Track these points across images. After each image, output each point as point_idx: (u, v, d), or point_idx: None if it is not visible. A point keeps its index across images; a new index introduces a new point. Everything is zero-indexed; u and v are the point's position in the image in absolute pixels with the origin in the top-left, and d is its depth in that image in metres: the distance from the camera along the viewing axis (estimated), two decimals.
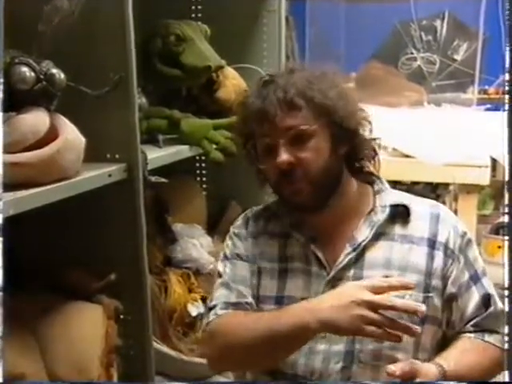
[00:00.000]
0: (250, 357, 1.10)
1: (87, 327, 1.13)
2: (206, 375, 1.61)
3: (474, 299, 1.13)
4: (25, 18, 1.02)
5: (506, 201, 0.93)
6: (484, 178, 2.69)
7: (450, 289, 1.12)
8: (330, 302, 0.97)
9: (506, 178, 0.94)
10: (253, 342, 1.06)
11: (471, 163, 2.70)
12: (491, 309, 1.13)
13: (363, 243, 1.12)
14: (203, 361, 1.55)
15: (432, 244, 1.12)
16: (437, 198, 3.26)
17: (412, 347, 1.09)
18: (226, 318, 1.13)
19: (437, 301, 1.11)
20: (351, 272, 1.11)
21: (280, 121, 1.07)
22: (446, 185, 3.07)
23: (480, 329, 1.13)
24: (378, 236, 1.13)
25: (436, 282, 1.11)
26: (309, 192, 1.09)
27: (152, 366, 1.31)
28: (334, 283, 1.11)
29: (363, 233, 1.13)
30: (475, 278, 1.14)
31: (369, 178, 1.19)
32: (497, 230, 3.09)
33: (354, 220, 1.14)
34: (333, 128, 1.09)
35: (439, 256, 1.12)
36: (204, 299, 1.62)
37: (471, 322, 1.13)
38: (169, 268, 1.60)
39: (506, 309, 0.93)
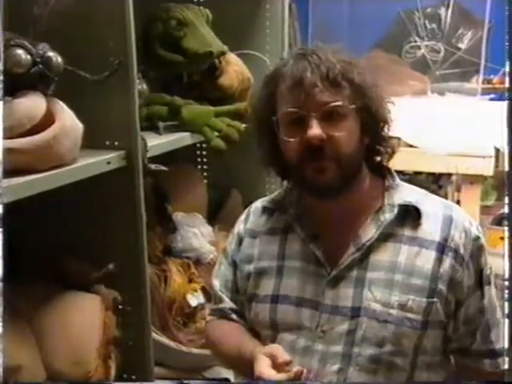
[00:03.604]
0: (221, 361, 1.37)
1: (84, 318, 1.11)
2: (206, 366, 1.60)
3: (476, 304, 1.10)
4: None
5: (507, 191, 0.91)
6: (488, 168, 2.67)
7: (458, 295, 1.08)
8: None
9: (506, 169, 0.92)
10: (221, 356, 1.27)
11: (475, 153, 2.67)
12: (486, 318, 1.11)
13: (368, 243, 1.07)
14: (202, 351, 1.54)
15: (442, 249, 1.07)
16: (439, 188, 3.24)
17: (411, 351, 1.06)
18: (210, 326, 1.28)
19: (440, 306, 1.06)
20: (354, 273, 1.07)
21: (318, 94, 1.02)
22: (449, 175, 3.04)
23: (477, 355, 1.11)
24: (385, 237, 1.08)
25: (441, 286, 1.06)
26: (334, 172, 1.03)
27: (151, 357, 1.30)
28: (335, 283, 1.08)
29: (369, 232, 1.08)
30: (480, 284, 1.10)
31: (380, 172, 1.14)
32: (499, 220, 3.06)
33: (361, 218, 1.09)
34: (365, 113, 1.05)
35: (448, 261, 1.07)
36: (204, 289, 1.60)
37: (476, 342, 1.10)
38: (169, 257, 1.58)
39: (507, 302, 0.93)
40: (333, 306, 1.07)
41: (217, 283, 1.25)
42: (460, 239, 1.08)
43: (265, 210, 1.21)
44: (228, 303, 1.23)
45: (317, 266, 1.10)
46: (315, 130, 1.01)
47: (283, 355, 1.01)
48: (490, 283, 1.11)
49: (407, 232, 1.08)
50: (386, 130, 1.10)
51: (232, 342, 1.17)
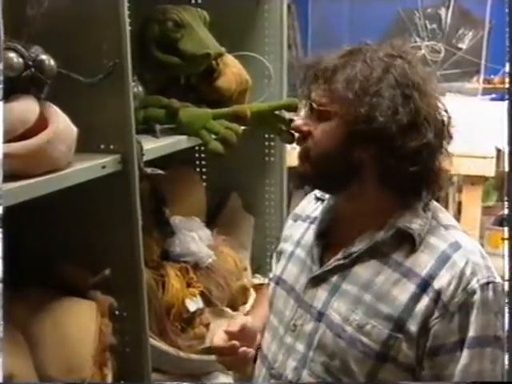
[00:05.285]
0: None
1: (79, 325, 1.09)
2: (205, 372, 1.58)
3: (454, 366, 0.96)
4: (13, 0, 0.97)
5: (506, 192, 0.90)
6: (489, 169, 2.65)
7: (431, 344, 0.96)
8: None
9: (506, 169, 0.90)
10: None
11: (476, 154, 2.65)
12: None
13: (354, 255, 1.03)
14: (201, 357, 1.53)
15: (423, 286, 0.97)
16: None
17: (363, 378, 1.00)
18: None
19: (406, 346, 0.97)
20: (334, 278, 1.05)
21: (314, 90, 1.05)
22: (450, 176, 3.02)
23: None
24: (375, 254, 1.02)
25: (411, 326, 0.96)
26: (304, 165, 1.07)
27: (148, 363, 1.28)
28: (316, 282, 1.07)
29: (360, 244, 1.03)
30: (462, 345, 0.96)
31: (402, 189, 1.04)
32: (500, 221, 3.05)
33: (365, 228, 1.04)
34: (353, 125, 0.98)
35: (425, 301, 0.96)
36: (203, 294, 1.58)
37: None
38: (167, 262, 1.56)
39: (507, 300, 0.90)
40: (308, 304, 1.08)
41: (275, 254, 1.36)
42: (448, 284, 0.96)
43: (315, 198, 1.24)
44: (273, 272, 1.30)
45: (312, 262, 1.11)
46: (297, 121, 1.09)
47: (231, 326, 1.13)
48: (473, 347, 0.95)
49: (397, 256, 1.01)
50: (405, 149, 0.97)
51: (254, 307, 1.34)
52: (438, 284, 0.96)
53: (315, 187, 1.16)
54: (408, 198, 1.04)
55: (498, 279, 0.99)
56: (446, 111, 1.03)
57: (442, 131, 1.02)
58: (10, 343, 1.01)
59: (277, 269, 1.21)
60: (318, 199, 1.23)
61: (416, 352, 0.97)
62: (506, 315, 0.90)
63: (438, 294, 0.96)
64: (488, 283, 0.97)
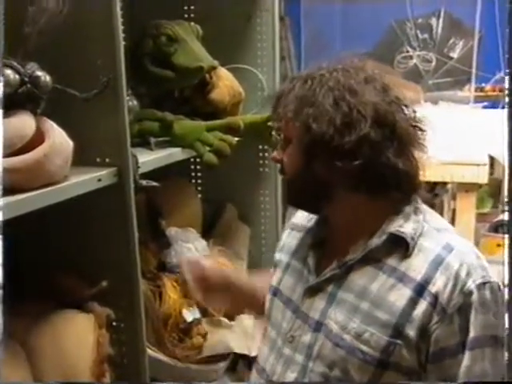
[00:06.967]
0: None
1: (77, 337, 1.10)
2: (203, 382, 1.58)
3: (457, 368, 0.96)
4: (9, 18, 0.99)
5: (506, 198, 0.89)
6: (483, 176, 2.67)
7: (432, 348, 0.96)
8: None
9: (506, 175, 0.89)
10: None
11: (469, 161, 2.67)
12: None
13: (349, 263, 1.03)
14: (199, 367, 1.53)
15: (419, 290, 0.96)
16: (435, 196, 3.24)
17: None
18: None
19: (406, 351, 0.97)
20: (330, 288, 1.05)
21: (283, 119, 1.07)
22: (444, 183, 3.04)
23: None
24: (369, 261, 1.02)
25: (410, 331, 0.96)
26: (287, 189, 1.12)
27: (146, 373, 1.29)
28: (313, 293, 1.08)
29: (354, 253, 1.03)
30: (464, 346, 0.96)
31: (387, 197, 1.04)
32: (496, 228, 3.06)
33: (357, 237, 1.04)
34: (303, 142, 1.01)
35: (423, 305, 0.96)
36: (199, 304, 1.59)
37: None
38: (163, 273, 1.57)
39: (506, 305, 0.89)
40: (306, 315, 1.08)
41: None
42: (444, 287, 0.96)
43: None
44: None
45: (308, 273, 1.11)
46: (274, 152, 1.11)
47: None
48: (473, 349, 0.95)
49: (391, 261, 1.01)
50: (342, 146, 0.97)
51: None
52: (434, 288, 0.96)
53: (301, 209, 1.20)
54: (395, 203, 1.04)
55: (494, 279, 0.98)
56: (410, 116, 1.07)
57: (393, 130, 1.00)
58: (9, 355, 1.02)
59: (274, 279, 1.21)
60: None
61: (417, 357, 0.97)
62: (506, 321, 0.89)
63: (435, 297, 0.95)
64: (484, 283, 0.96)
